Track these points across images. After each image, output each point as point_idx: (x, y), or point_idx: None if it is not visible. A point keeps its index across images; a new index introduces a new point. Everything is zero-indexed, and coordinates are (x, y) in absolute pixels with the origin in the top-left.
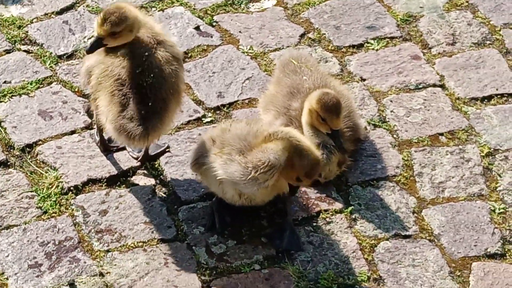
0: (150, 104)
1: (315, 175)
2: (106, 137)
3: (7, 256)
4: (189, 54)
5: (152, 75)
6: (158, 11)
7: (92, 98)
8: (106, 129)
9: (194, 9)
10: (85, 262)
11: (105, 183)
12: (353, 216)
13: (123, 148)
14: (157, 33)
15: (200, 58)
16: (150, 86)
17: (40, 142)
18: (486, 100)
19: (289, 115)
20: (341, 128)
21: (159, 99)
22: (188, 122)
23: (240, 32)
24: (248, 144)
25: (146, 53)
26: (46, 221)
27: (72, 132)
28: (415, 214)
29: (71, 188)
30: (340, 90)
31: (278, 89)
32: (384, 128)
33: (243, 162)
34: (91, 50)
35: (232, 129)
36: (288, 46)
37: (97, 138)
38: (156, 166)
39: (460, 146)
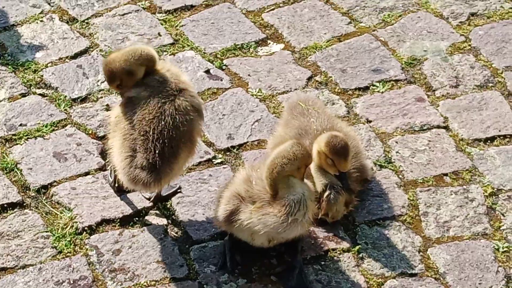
0: (157, 152)
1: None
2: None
3: None
4: (200, 97)
5: (163, 123)
6: (170, 55)
7: (108, 137)
8: (120, 179)
9: (204, 53)
10: None
11: (119, 223)
12: (360, 255)
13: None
14: (181, 82)
15: (210, 100)
16: (159, 134)
17: (55, 184)
18: (489, 141)
19: None
20: (348, 169)
21: (168, 147)
22: (199, 163)
23: (249, 75)
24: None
25: (163, 101)
26: (61, 261)
27: (86, 174)
28: (421, 253)
29: (85, 228)
30: (346, 131)
31: (286, 131)
32: (390, 169)
33: (277, 212)
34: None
35: (255, 180)
36: (295, 89)
37: (111, 179)
38: (168, 206)
39: (464, 186)
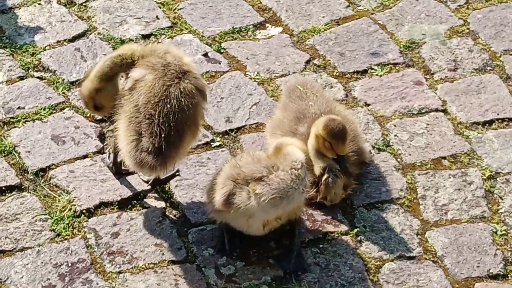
0: (163, 135)
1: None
2: (119, 160)
3: (22, 277)
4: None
5: (168, 106)
6: (168, 38)
7: (113, 119)
8: (126, 163)
9: (202, 36)
10: (97, 284)
11: (117, 206)
12: (359, 238)
13: (134, 172)
14: (184, 64)
15: (208, 84)
16: (165, 117)
17: (53, 166)
18: (487, 125)
19: (296, 139)
20: (346, 153)
21: (173, 130)
22: (197, 146)
23: (247, 58)
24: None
25: (168, 83)
26: (59, 244)
27: (84, 157)
28: (419, 236)
29: (84, 211)
30: (345, 115)
31: (284, 114)
32: (388, 152)
33: (280, 175)
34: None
35: (242, 164)
36: (294, 72)
37: (109, 161)
38: (166, 189)
39: (462, 170)
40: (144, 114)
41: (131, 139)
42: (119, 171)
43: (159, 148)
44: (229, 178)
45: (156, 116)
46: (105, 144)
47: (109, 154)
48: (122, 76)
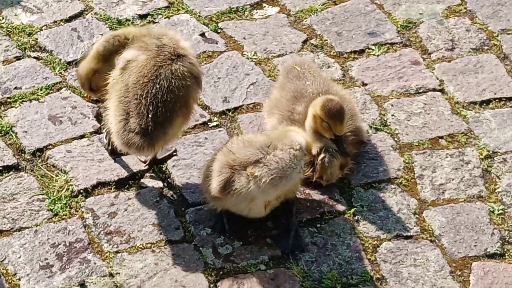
0: (150, 116)
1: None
2: None
3: (19, 257)
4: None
5: (157, 86)
6: (164, 18)
7: (105, 98)
8: (114, 142)
9: (199, 16)
10: (95, 263)
11: (114, 186)
12: (356, 218)
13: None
14: (180, 47)
15: (205, 64)
16: (153, 97)
17: (50, 146)
18: (484, 104)
19: (293, 118)
20: (344, 133)
21: (162, 111)
22: (195, 126)
23: (244, 38)
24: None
25: (159, 64)
26: (56, 223)
27: (82, 137)
28: (416, 216)
29: (81, 191)
30: (342, 94)
31: (282, 94)
32: (386, 132)
33: (279, 155)
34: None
35: (234, 150)
36: (291, 52)
37: (106, 141)
38: (163, 169)
39: (460, 149)
40: (133, 94)
41: (119, 119)
42: (115, 151)
43: (146, 129)
44: (225, 166)
45: (144, 96)
46: (102, 124)
47: (106, 134)
48: (117, 58)
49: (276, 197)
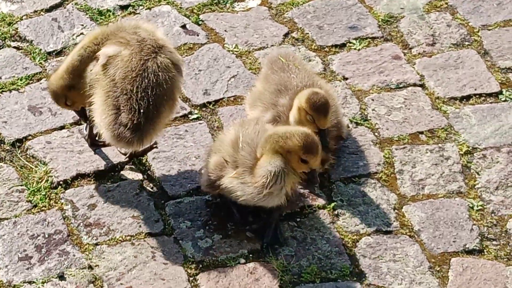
0: (142, 111)
1: (314, 150)
2: (95, 132)
3: None
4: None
5: (146, 81)
6: (146, 9)
7: (88, 92)
8: (103, 136)
9: (180, 7)
10: (74, 255)
11: (94, 178)
12: (336, 212)
13: (110, 144)
14: (158, 38)
15: (186, 56)
16: (143, 92)
17: (30, 137)
18: (465, 100)
19: (276, 110)
20: (328, 127)
21: (151, 105)
22: (175, 118)
23: (225, 31)
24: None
25: (145, 58)
26: (36, 215)
27: (61, 128)
28: (396, 211)
29: (61, 182)
30: (326, 89)
31: (266, 86)
32: (366, 126)
33: (254, 183)
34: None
35: (241, 143)
36: (272, 45)
37: (85, 133)
38: (143, 161)
39: (440, 145)
40: (122, 89)
41: (109, 113)
42: (95, 143)
43: (138, 124)
44: (221, 162)
45: (135, 92)
46: (92, 117)
47: (86, 125)
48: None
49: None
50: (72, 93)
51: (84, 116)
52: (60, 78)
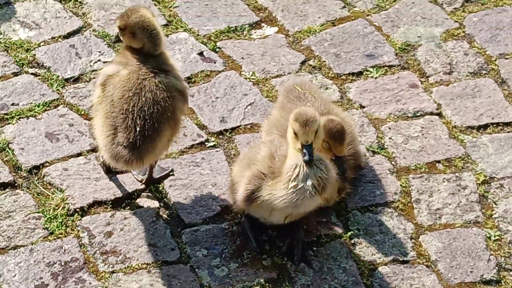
0: (138, 129)
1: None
2: None
3: (14, 276)
4: (193, 79)
5: (143, 99)
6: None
7: (92, 116)
8: (103, 156)
9: (198, 35)
10: (90, 283)
11: (110, 205)
12: (352, 241)
13: (125, 171)
14: (167, 64)
15: (203, 83)
16: (140, 111)
17: (47, 164)
18: (482, 129)
19: None
20: (344, 155)
21: (149, 124)
22: (192, 146)
23: (242, 58)
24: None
25: (143, 77)
26: (52, 242)
27: (78, 155)
28: (413, 240)
29: (77, 209)
30: (342, 117)
31: (282, 114)
32: (383, 155)
33: (282, 182)
34: (113, 41)
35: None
36: (289, 73)
37: (101, 160)
38: (160, 189)
39: (457, 174)
40: (119, 109)
41: (107, 134)
42: (110, 170)
43: (134, 142)
44: (258, 174)
45: (131, 110)
46: (96, 141)
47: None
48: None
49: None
50: (130, 36)
51: None
52: (142, 21)
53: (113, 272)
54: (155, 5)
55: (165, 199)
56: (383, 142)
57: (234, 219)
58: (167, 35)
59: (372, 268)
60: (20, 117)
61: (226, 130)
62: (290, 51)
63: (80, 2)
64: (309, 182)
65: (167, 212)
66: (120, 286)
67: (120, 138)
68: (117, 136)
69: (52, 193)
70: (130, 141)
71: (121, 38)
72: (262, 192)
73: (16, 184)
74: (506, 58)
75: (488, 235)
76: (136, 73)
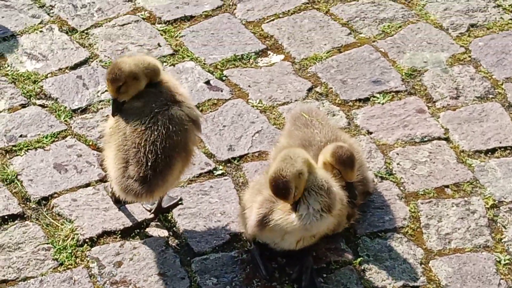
0: (149, 164)
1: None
2: None
3: None
4: (200, 108)
5: (156, 133)
6: (169, 66)
7: (103, 148)
8: (114, 189)
9: (204, 63)
10: None
11: (120, 235)
12: (362, 267)
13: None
14: (178, 94)
15: (210, 112)
16: (152, 145)
17: (55, 195)
18: (490, 153)
19: None
20: (354, 180)
21: (161, 158)
22: (200, 174)
23: (249, 86)
24: None
25: (156, 110)
26: (62, 273)
27: (87, 185)
28: (423, 265)
29: (87, 240)
30: (350, 143)
31: (290, 141)
32: (391, 181)
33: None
34: (113, 113)
35: None
36: (296, 100)
37: (110, 190)
38: (169, 218)
39: (466, 198)
40: (131, 142)
41: (119, 167)
42: (119, 200)
43: (145, 177)
44: (269, 198)
45: (143, 145)
46: (107, 172)
47: (110, 182)
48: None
49: (311, 236)
50: (132, 83)
51: None
52: (134, 65)
53: None
54: (161, 34)
55: (174, 228)
56: (391, 167)
57: (243, 247)
58: (173, 65)
59: None
60: (28, 149)
61: (234, 158)
62: (296, 78)
63: (86, 33)
64: (311, 210)
65: (176, 241)
66: None
67: (131, 171)
68: (128, 169)
69: (61, 224)
70: (141, 175)
71: (125, 93)
72: (274, 216)
73: (25, 216)
74: None
75: (498, 259)
76: (150, 106)
